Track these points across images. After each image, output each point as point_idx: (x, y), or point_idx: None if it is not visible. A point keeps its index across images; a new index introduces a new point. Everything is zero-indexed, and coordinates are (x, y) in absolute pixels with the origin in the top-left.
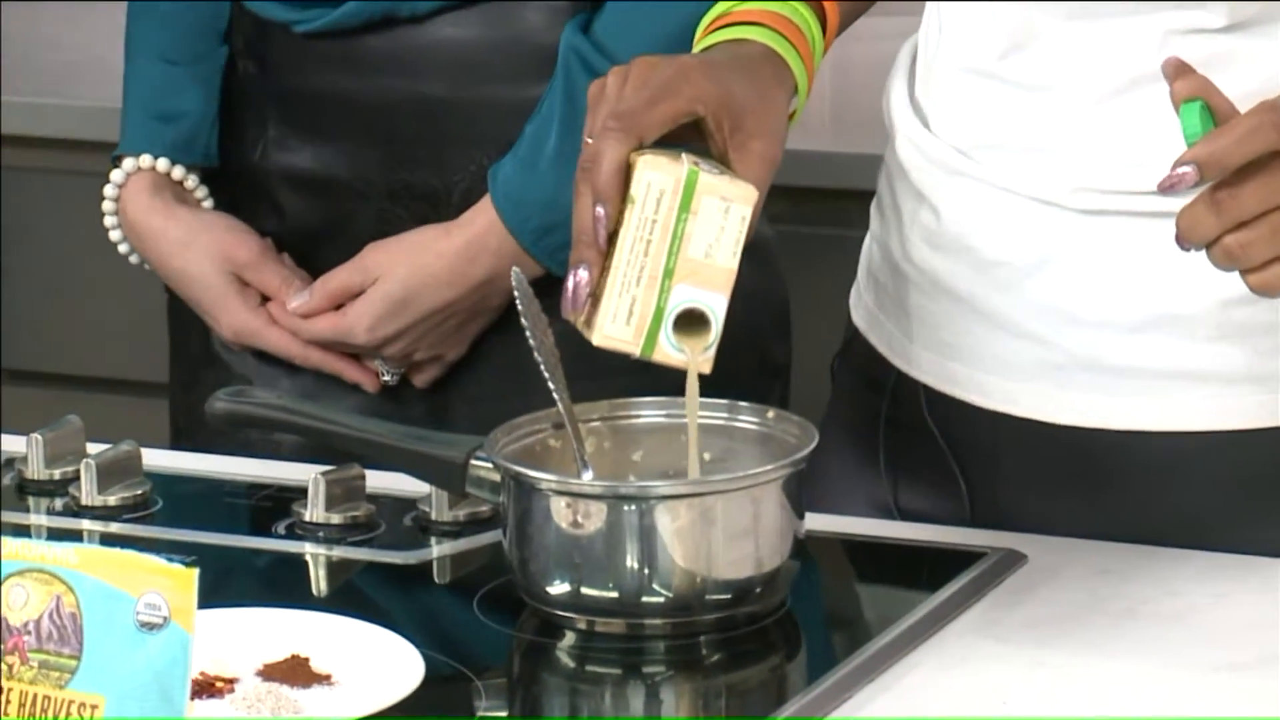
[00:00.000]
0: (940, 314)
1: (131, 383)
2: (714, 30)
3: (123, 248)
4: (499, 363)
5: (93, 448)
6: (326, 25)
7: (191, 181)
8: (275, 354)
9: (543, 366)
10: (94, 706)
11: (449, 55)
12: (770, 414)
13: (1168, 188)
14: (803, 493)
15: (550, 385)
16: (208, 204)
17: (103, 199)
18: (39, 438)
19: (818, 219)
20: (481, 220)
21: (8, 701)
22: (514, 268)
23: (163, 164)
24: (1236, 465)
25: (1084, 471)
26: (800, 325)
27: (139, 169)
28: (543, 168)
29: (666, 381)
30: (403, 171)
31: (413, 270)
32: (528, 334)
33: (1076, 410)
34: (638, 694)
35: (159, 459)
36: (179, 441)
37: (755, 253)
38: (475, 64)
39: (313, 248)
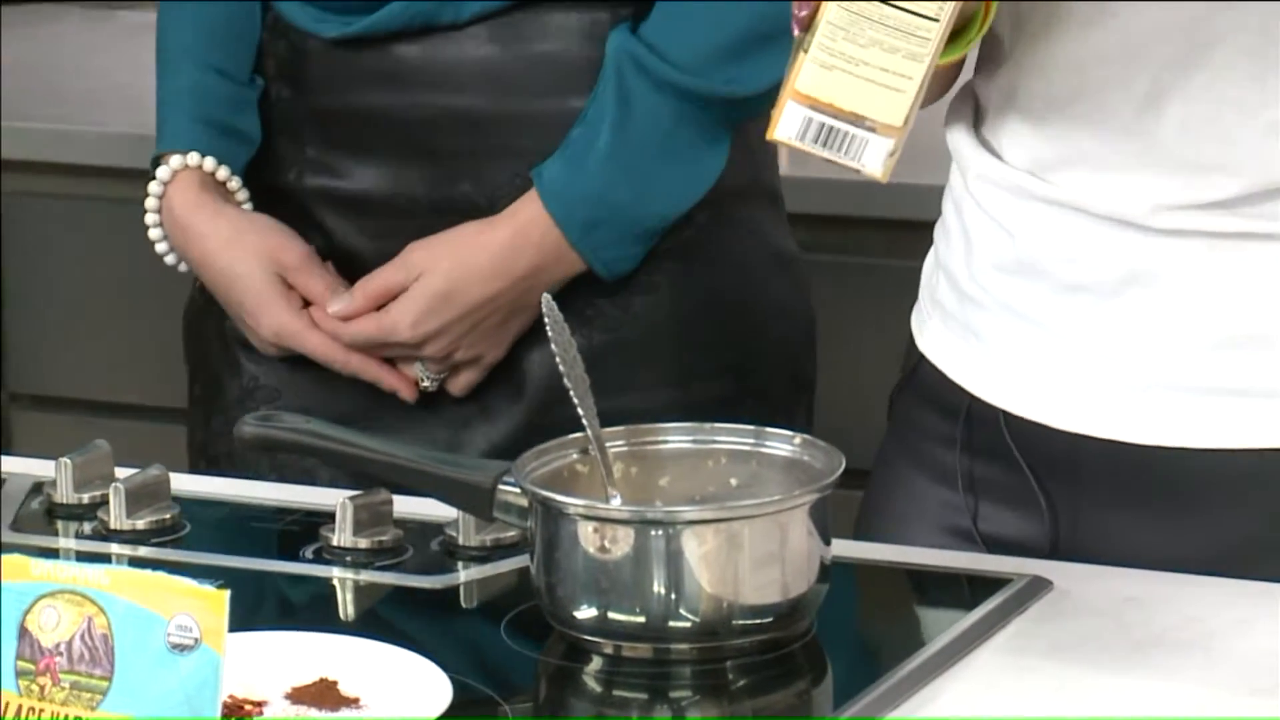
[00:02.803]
0: (1016, 338)
1: (143, 407)
2: None
3: (161, 246)
4: (533, 374)
5: (121, 472)
6: (364, 30)
7: (235, 183)
8: (315, 358)
9: (572, 392)
10: None
11: (489, 68)
12: (798, 440)
13: None
14: (829, 518)
15: (579, 410)
16: (248, 208)
17: (146, 195)
18: (68, 462)
19: (839, 247)
20: (525, 213)
21: None
22: (544, 295)
23: (209, 163)
24: None
25: (1167, 491)
26: (823, 352)
27: (186, 166)
28: (591, 166)
29: (695, 394)
30: (446, 186)
31: (455, 264)
32: (557, 359)
33: (1159, 430)
34: (664, 719)
35: (187, 483)
36: (200, 459)
37: (785, 268)
38: (515, 77)
39: (358, 267)
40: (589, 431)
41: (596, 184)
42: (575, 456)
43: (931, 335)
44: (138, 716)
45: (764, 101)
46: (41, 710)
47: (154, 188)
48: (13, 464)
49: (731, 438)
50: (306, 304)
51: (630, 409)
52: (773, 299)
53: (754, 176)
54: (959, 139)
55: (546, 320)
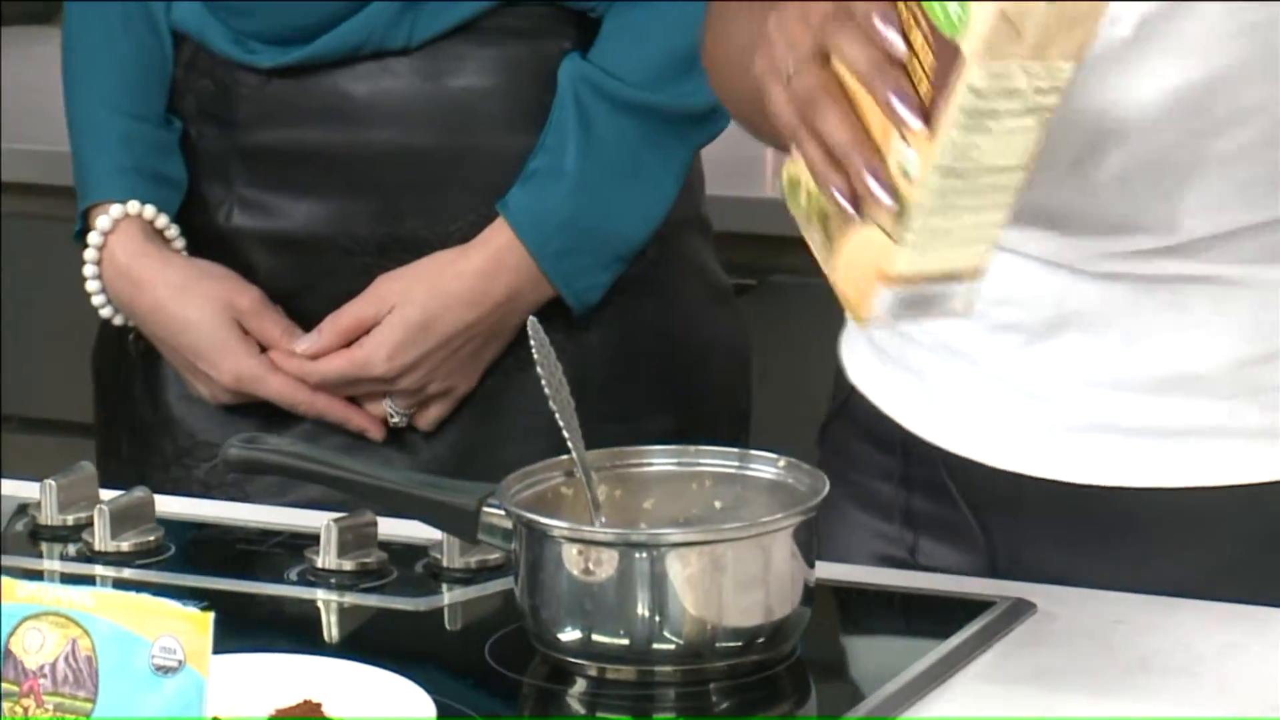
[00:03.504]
0: (953, 376)
1: None
2: None
3: (98, 299)
4: (498, 404)
5: (105, 494)
6: (304, 58)
7: (173, 231)
8: (278, 402)
9: (558, 415)
10: None
11: (433, 102)
12: (782, 462)
13: None
14: (814, 540)
15: (565, 434)
16: (184, 255)
17: (85, 247)
18: (52, 484)
19: (774, 268)
20: (499, 239)
21: None
22: (530, 317)
23: (149, 211)
24: (1255, 519)
25: (1105, 527)
26: (809, 376)
27: (127, 215)
28: (561, 192)
29: (639, 429)
30: (392, 223)
31: (432, 293)
32: (543, 382)
33: (1095, 469)
34: None
35: (171, 505)
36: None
37: (723, 299)
38: (466, 112)
39: (292, 307)
40: (574, 454)
41: (567, 209)
42: (560, 479)
43: (864, 369)
44: None
45: (720, 117)
46: None
47: (94, 239)
48: None
49: (716, 460)
50: (262, 348)
51: (594, 435)
52: (714, 332)
53: (692, 208)
54: None
55: (533, 343)
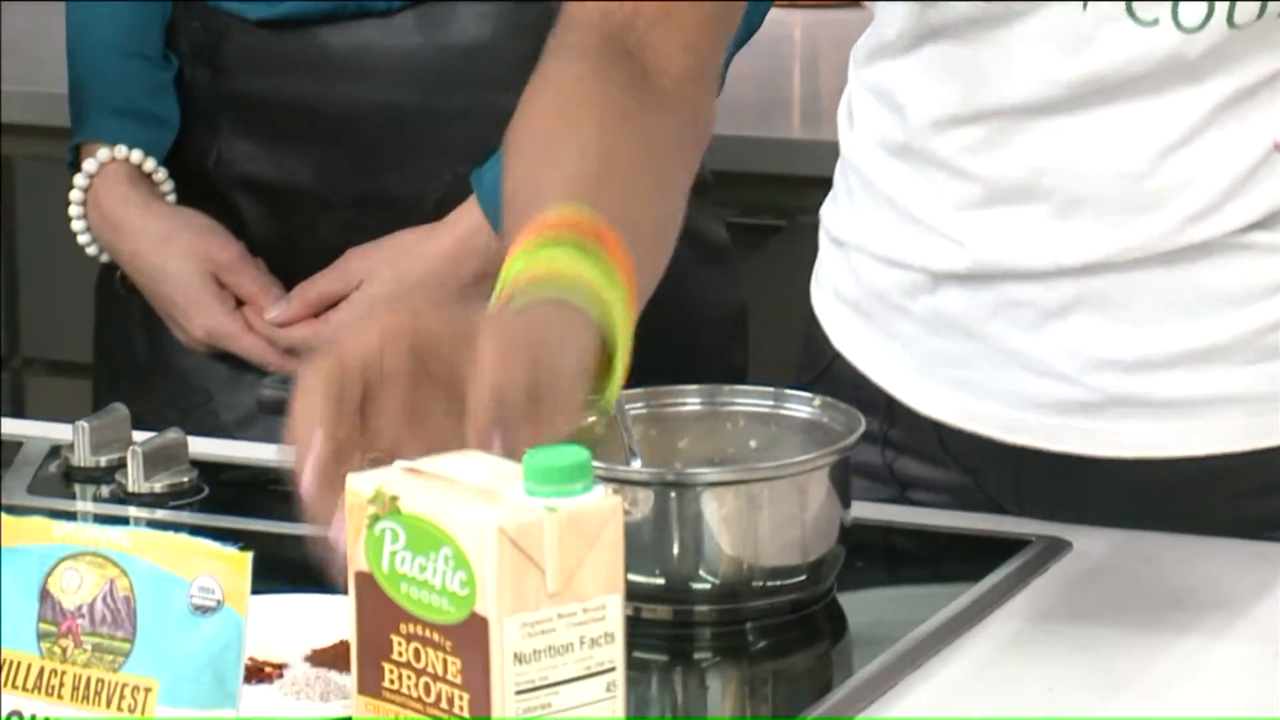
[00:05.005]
0: (950, 350)
1: None
2: None
3: (84, 238)
4: None
5: (138, 435)
6: (290, 13)
7: (161, 174)
8: (249, 359)
9: None
10: (147, 690)
11: (415, 60)
12: (817, 402)
13: None
14: (848, 480)
15: None
16: (172, 199)
17: (71, 188)
18: (85, 425)
19: (786, 209)
20: (468, 221)
21: (61, 684)
22: None
23: (136, 155)
24: (1269, 478)
25: (1118, 491)
26: (765, 315)
27: (114, 159)
28: None
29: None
30: (369, 180)
31: (399, 274)
32: None
33: (1116, 443)
34: (684, 680)
35: (205, 446)
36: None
37: (714, 258)
38: (441, 69)
39: (273, 256)
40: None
41: None
42: (594, 419)
43: (846, 331)
44: (160, 678)
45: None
46: (64, 673)
47: (79, 180)
48: (30, 427)
49: (750, 400)
50: (239, 303)
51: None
52: (702, 292)
53: None
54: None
55: None
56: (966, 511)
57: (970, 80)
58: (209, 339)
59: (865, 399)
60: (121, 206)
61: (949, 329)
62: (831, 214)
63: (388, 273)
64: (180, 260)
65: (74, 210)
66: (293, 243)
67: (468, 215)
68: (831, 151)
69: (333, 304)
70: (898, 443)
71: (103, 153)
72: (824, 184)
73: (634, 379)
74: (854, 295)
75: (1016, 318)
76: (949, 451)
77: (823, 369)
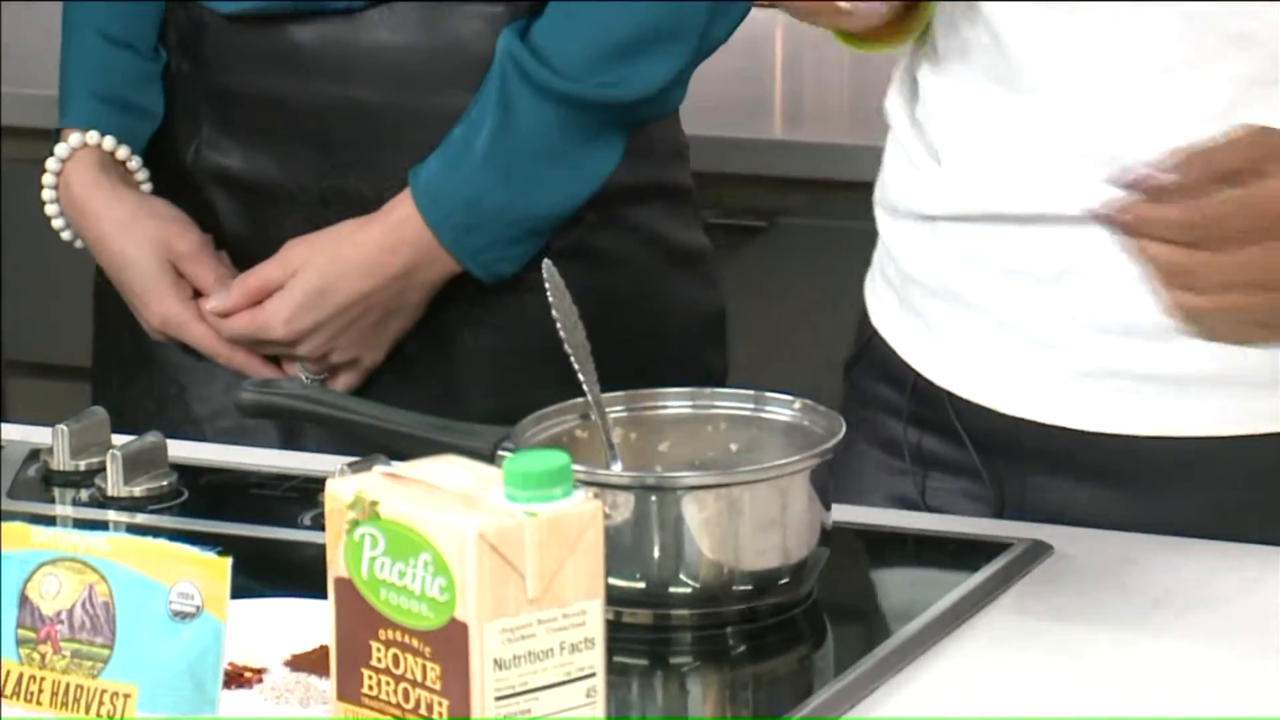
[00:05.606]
0: (956, 320)
1: None
2: None
3: (58, 222)
4: (423, 373)
5: (117, 439)
6: (256, 8)
7: (135, 163)
8: (200, 350)
9: (573, 358)
10: (126, 696)
11: (383, 60)
12: (797, 404)
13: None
14: (830, 483)
15: (580, 377)
16: (147, 188)
17: (43, 172)
18: (64, 429)
19: (836, 212)
20: (400, 211)
21: (40, 691)
22: (545, 260)
23: (109, 142)
24: (1264, 462)
25: (1111, 469)
26: (820, 318)
27: (85, 145)
28: (467, 169)
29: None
30: (334, 177)
31: (330, 260)
32: (558, 325)
33: (1103, 416)
34: (665, 685)
35: (184, 450)
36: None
37: (690, 263)
38: (410, 71)
39: (246, 250)
40: (589, 397)
41: (471, 188)
42: (575, 422)
43: (883, 310)
44: (139, 684)
45: (655, 103)
46: (43, 679)
47: (52, 164)
48: (9, 431)
49: (731, 402)
50: (198, 294)
51: (531, 406)
52: (673, 296)
53: (652, 175)
54: (898, 117)
55: (547, 286)
56: (971, 500)
57: None
58: (163, 327)
59: (894, 374)
60: (89, 191)
61: (957, 301)
62: (879, 186)
63: (320, 261)
64: (140, 247)
65: (47, 195)
66: (264, 237)
67: (400, 206)
68: (812, 152)
69: (272, 292)
70: (922, 419)
71: (74, 137)
72: (806, 185)
73: (610, 384)
74: (890, 271)
75: (1012, 285)
76: (962, 425)
77: (863, 346)
